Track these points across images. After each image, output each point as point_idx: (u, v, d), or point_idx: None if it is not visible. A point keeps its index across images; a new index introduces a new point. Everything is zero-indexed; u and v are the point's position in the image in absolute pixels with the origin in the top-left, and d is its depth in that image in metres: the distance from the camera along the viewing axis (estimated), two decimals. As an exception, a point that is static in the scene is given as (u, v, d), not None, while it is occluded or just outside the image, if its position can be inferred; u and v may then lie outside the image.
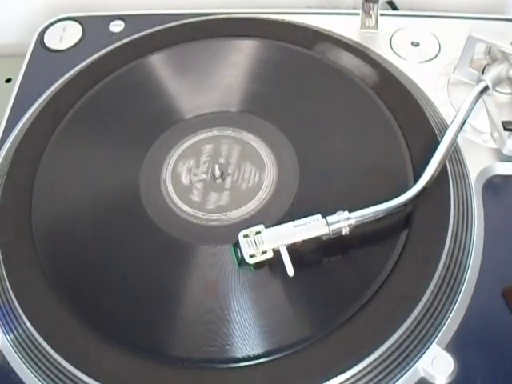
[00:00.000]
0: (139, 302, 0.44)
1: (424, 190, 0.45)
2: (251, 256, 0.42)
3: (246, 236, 0.43)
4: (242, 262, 0.42)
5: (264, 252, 0.42)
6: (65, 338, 0.42)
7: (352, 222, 0.43)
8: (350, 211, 0.43)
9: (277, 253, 0.42)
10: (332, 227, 0.43)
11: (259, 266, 0.43)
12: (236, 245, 0.43)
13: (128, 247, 0.47)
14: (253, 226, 0.43)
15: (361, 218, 0.43)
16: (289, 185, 0.49)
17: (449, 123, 0.48)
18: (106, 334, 0.42)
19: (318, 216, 0.43)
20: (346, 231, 0.43)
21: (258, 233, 0.43)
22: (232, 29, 0.59)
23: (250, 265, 0.42)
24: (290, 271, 0.41)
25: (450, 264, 0.44)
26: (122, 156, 0.52)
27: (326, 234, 0.43)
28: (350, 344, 0.40)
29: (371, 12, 0.58)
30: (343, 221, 0.43)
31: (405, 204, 0.44)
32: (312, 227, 0.43)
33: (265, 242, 0.42)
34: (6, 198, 0.49)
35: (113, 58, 0.58)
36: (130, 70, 0.57)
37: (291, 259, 0.42)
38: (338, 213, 0.43)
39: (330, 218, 0.43)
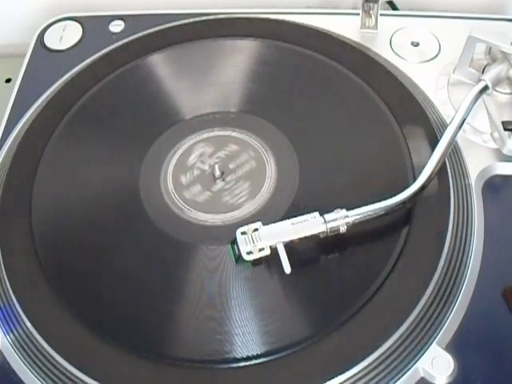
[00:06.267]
0: (139, 301, 0.44)
1: (423, 188, 0.45)
2: (248, 253, 0.42)
3: (243, 233, 0.43)
4: (239, 258, 0.43)
5: (261, 249, 0.42)
6: (65, 337, 0.42)
7: (350, 220, 0.43)
8: (349, 210, 0.43)
9: (275, 250, 0.42)
10: (329, 225, 0.43)
11: (257, 262, 0.43)
12: (234, 242, 0.43)
13: (128, 247, 0.47)
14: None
15: (358, 216, 0.43)
16: (289, 184, 0.49)
17: (448, 123, 0.48)
18: (106, 334, 0.42)
19: (316, 214, 0.43)
20: (343, 229, 0.43)
21: (255, 230, 0.43)
22: (232, 29, 0.59)
23: (247, 262, 0.42)
24: (287, 269, 0.41)
25: (449, 264, 0.44)
26: (122, 156, 0.52)
27: (323, 232, 0.43)
28: (350, 344, 0.40)
29: (371, 12, 0.58)
30: (341, 219, 0.43)
31: (403, 202, 0.44)
32: (309, 225, 0.43)
33: (262, 239, 0.42)
34: (6, 197, 0.49)
35: (113, 57, 0.58)
36: (129, 70, 0.57)
37: (290, 257, 0.42)
38: (335, 211, 0.43)
39: (328, 216, 0.43)
